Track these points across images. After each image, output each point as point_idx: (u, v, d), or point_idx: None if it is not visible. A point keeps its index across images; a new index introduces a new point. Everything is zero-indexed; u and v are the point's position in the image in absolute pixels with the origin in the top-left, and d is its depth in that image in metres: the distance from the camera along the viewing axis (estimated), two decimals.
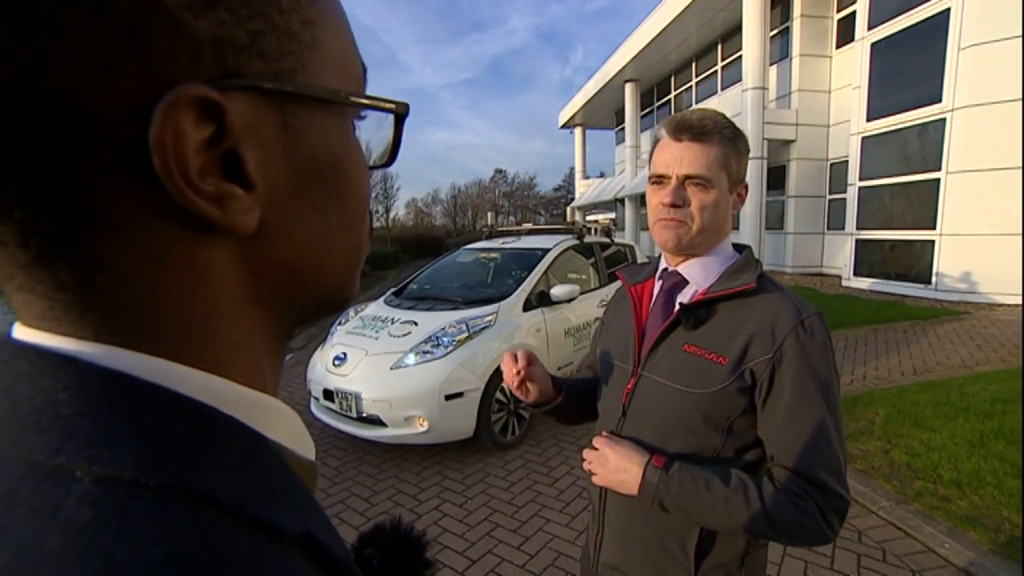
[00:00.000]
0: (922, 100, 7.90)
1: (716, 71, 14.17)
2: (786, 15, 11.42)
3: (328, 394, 3.29)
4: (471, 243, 5.22)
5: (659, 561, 0.87)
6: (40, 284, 0.20)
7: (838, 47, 11.00)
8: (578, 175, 26.88)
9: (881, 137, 8.77)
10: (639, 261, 4.52)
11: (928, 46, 7.77)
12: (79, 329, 0.21)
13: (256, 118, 0.22)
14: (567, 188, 51.03)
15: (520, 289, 3.73)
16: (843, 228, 10.08)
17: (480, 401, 3.17)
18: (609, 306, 1.13)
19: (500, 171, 56.15)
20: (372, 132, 0.31)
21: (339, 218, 0.27)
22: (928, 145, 7.94)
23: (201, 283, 0.23)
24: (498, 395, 3.31)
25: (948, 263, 7.79)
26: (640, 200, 17.74)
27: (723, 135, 0.84)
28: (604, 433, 0.91)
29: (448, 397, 3.05)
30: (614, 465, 0.85)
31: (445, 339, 3.25)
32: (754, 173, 10.82)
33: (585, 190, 24.47)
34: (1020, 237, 6.90)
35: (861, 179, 9.21)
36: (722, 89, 13.89)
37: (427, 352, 3.19)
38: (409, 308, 3.81)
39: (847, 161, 9.72)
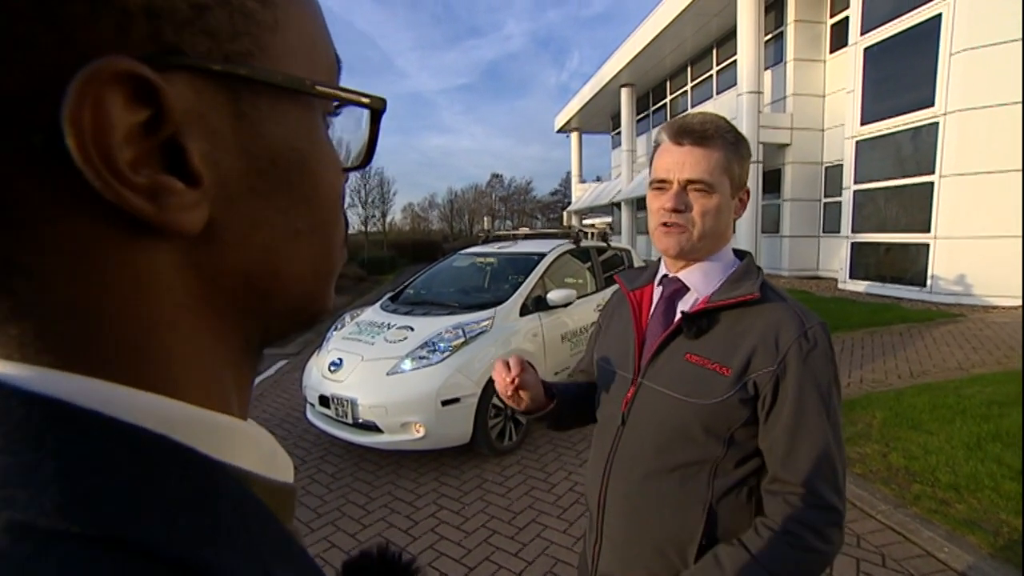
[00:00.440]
0: (915, 104, 7.96)
1: (711, 75, 14.26)
2: (780, 20, 11.51)
3: (324, 400, 3.27)
4: (468, 248, 5.22)
5: (658, 570, 0.86)
6: None
7: (832, 52, 11.08)
8: (574, 179, 26.95)
9: (875, 141, 8.83)
10: (636, 265, 4.53)
11: (921, 51, 7.83)
12: (1, 347, 0.19)
13: (203, 104, 0.20)
14: (563, 192, 51.13)
15: (516, 294, 3.73)
16: (839, 231, 10.12)
17: (477, 407, 3.16)
18: (605, 310, 1.11)
19: (497, 176, 56.28)
20: (349, 132, 0.28)
21: (305, 221, 0.24)
22: (922, 149, 8.00)
23: (143, 292, 0.20)
24: (495, 401, 3.29)
25: (943, 266, 7.83)
26: (636, 204, 17.79)
27: (725, 139, 0.83)
28: None
29: (445, 403, 3.04)
30: None
31: (441, 344, 3.24)
32: (750, 177, 10.84)
33: (581, 194, 24.54)
34: (1020, 239, 6.94)
35: (856, 182, 9.26)
36: (717, 93, 13.97)
37: (423, 358, 3.17)
38: (405, 313, 3.79)
39: (842, 165, 9.79)
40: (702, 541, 0.82)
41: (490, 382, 3.22)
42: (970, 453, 2.96)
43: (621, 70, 16.46)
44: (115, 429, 0.18)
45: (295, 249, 0.24)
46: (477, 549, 2.40)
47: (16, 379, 0.18)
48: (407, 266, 20.34)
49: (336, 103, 0.27)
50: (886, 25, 8.40)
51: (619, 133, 19.58)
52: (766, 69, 11.40)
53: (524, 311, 3.68)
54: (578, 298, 3.95)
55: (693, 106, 15.21)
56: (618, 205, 19.44)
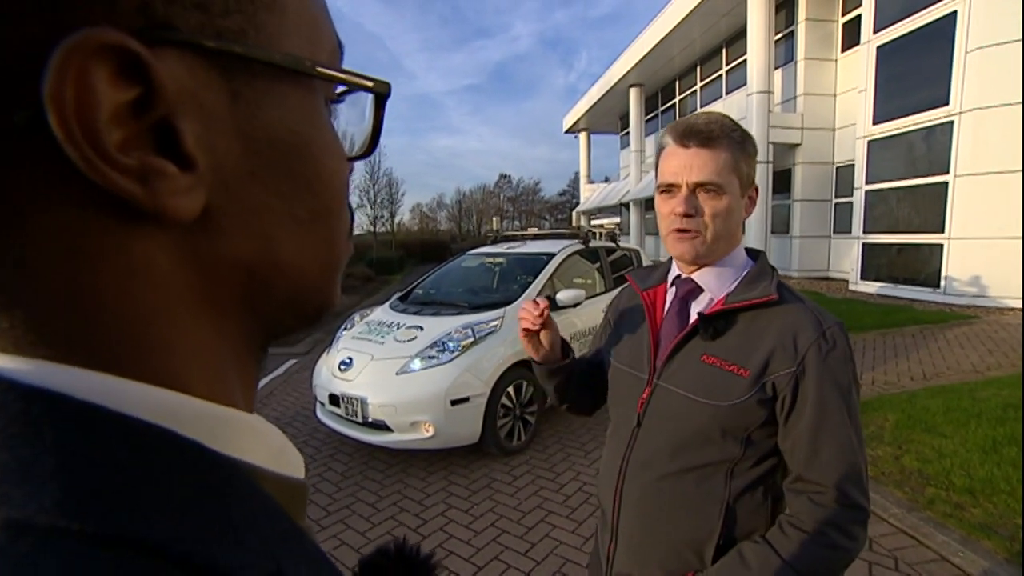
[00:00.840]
0: (929, 103, 7.87)
1: (721, 75, 14.17)
2: (791, 19, 11.42)
3: (334, 399, 3.29)
4: (476, 248, 5.23)
5: (675, 569, 0.86)
6: None
7: (843, 51, 10.98)
8: (583, 180, 26.91)
9: (887, 140, 8.73)
10: (644, 265, 4.51)
11: (935, 49, 7.73)
12: None
13: (196, 83, 0.19)
14: (572, 193, 51.09)
15: (526, 294, 3.73)
16: (850, 232, 10.02)
17: (486, 406, 3.16)
18: (614, 307, 1.10)
19: (505, 176, 56.36)
20: (354, 120, 0.27)
21: (307, 209, 0.23)
22: (936, 148, 7.90)
23: (139, 281, 0.19)
24: (504, 400, 3.30)
25: (957, 267, 7.72)
26: (645, 204, 17.72)
27: (732, 138, 0.82)
28: None
29: (454, 402, 3.05)
30: None
31: (451, 344, 3.25)
32: (759, 177, 10.61)
33: (590, 195, 24.49)
34: (1020, 241, 6.86)
35: (868, 183, 9.17)
36: (727, 93, 13.88)
37: (433, 357, 3.18)
38: (415, 313, 3.81)
39: (853, 165, 9.69)
40: (719, 541, 0.82)
41: (499, 382, 3.24)
42: (985, 457, 2.92)
43: (630, 70, 16.41)
44: (117, 423, 0.17)
45: (297, 238, 0.23)
46: (486, 548, 2.41)
47: (12, 372, 0.17)
48: (415, 266, 20.42)
49: (340, 88, 0.26)
50: (899, 23, 8.30)
51: (628, 133, 19.52)
52: (776, 68, 11.31)
53: None
54: (587, 299, 3.94)
55: (702, 106, 15.12)
56: (627, 205, 19.37)
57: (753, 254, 0.92)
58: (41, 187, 0.17)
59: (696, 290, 0.90)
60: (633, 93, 17.81)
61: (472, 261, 4.84)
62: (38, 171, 0.17)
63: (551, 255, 4.15)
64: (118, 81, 0.17)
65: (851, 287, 9.67)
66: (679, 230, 0.84)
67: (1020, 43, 6.73)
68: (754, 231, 10.95)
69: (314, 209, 0.24)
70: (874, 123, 8.90)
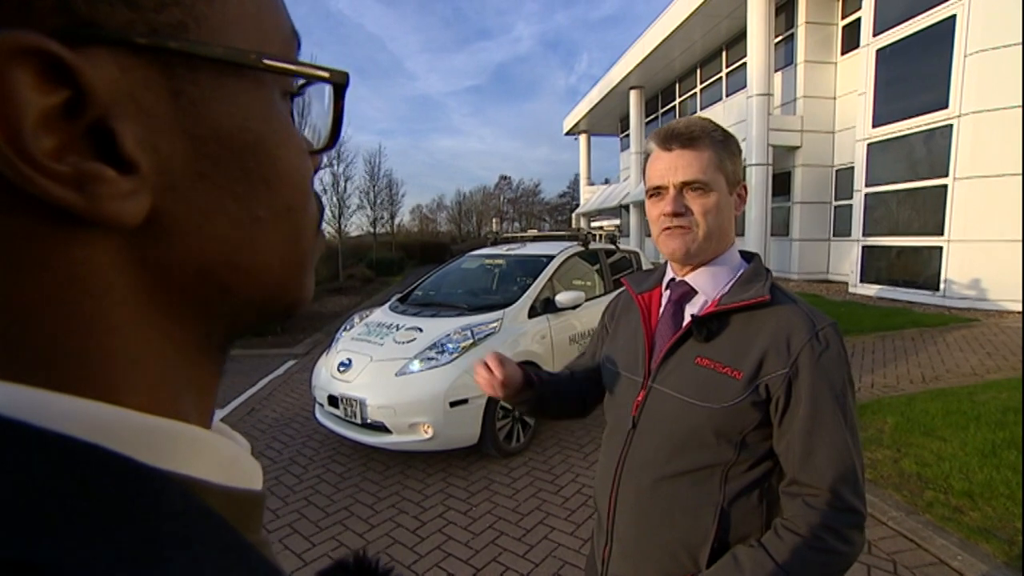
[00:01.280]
0: (929, 106, 7.88)
1: (721, 78, 14.20)
2: (791, 22, 11.44)
3: (333, 400, 3.29)
4: (476, 249, 5.23)
5: (670, 573, 0.86)
6: None
7: (843, 53, 10.99)
8: (583, 182, 26.93)
9: (887, 143, 8.74)
10: (644, 268, 4.52)
11: (934, 52, 7.75)
12: None
13: (132, 83, 0.18)
14: (572, 195, 51.11)
15: (525, 296, 3.73)
16: (849, 234, 10.03)
17: (485, 408, 3.16)
18: (609, 312, 1.11)
19: (505, 178, 56.30)
20: (320, 113, 0.26)
21: (266, 207, 0.23)
22: (935, 151, 7.91)
23: (79, 290, 0.18)
24: (503, 402, 3.29)
25: (956, 269, 7.73)
26: (645, 206, 17.72)
27: (713, 138, 0.84)
28: None
29: (453, 404, 3.05)
30: None
31: (450, 346, 3.25)
32: (759, 179, 10.81)
33: (590, 196, 24.51)
34: (1020, 244, 6.86)
35: (867, 185, 9.18)
36: (727, 96, 13.91)
37: (432, 359, 3.19)
38: (414, 315, 3.81)
39: (852, 167, 9.70)
40: (714, 544, 0.82)
41: None
42: (985, 460, 2.92)
43: (630, 72, 16.43)
44: (38, 440, 0.16)
45: (257, 238, 0.23)
46: (485, 550, 2.40)
47: None
48: (415, 267, 20.42)
49: (300, 81, 0.25)
50: (899, 26, 8.32)
51: (628, 135, 19.54)
52: (776, 71, 11.33)
53: (533, 313, 3.68)
54: (586, 300, 3.94)
55: (702, 108, 15.14)
56: (627, 207, 19.39)
57: (747, 256, 0.93)
58: None
59: (690, 292, 0.90)
60: (633, 95, 17.83)
61: (472, 263, 4.84)
62: None
63: (551, 257, 4.15)
64: (42, 85, 0.16)
65: (851, 290, 9.67)
66: (669, 228, 0.85)
67: (1020, 47, 6.75)
68: (754, 233, 10.96)
69: (274, 207, 0.23)
70: (874, 126, 8.91)
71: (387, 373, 3.18)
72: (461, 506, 2.80)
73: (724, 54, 13.94)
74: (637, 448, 0.89)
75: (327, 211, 13.95)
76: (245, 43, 0.21)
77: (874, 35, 8.79)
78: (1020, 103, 6.81)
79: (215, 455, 0.22)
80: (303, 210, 0.25)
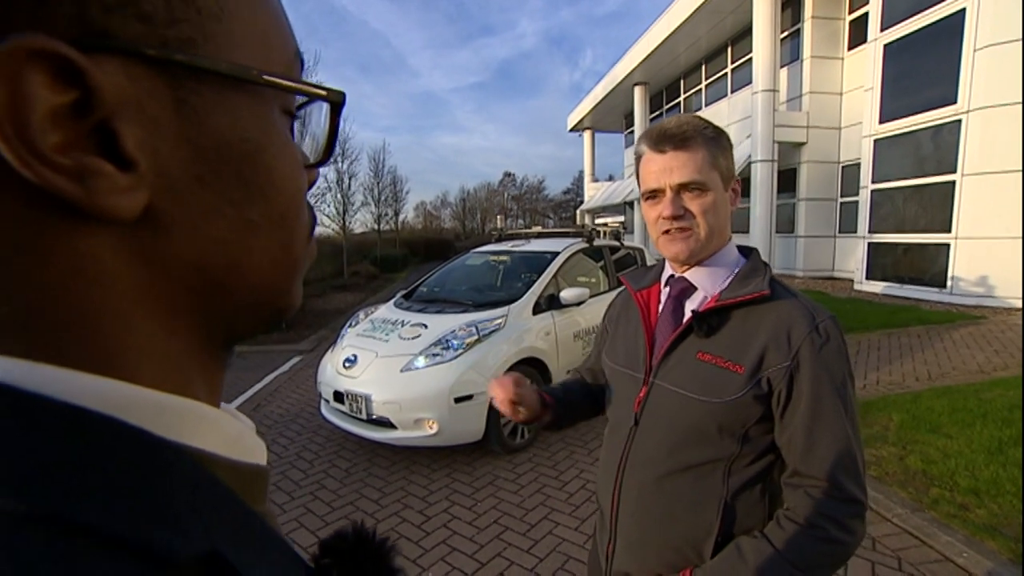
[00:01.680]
0: (936, 102, 7.81)
1: (726, 74, 14.12)
2: (797, 17, 11.36)
3: (338, 396, 3.31)
4: (481, 246, 5.24)
5: (674, 568, 0.87)
6: None
7: (850, 49, 10.91)
8: (587, 178, 26.86)
9: (894, 139, 8.68)
10: (648, 264, 4.51)
11: (943, 47, 7.68)
12: None
13: (139, 90, 0.19)
14: (576, 191, 50.98)
15: (530, 292, 3.74)
16: (855, 231, 9.97)
17: (490, 404, 3.16)
18: (610, 312, 1.11)
19: (509, 174, 56.26)
20: (318, 128, 0.28)
21: (260, 214, 0.24)
22: (943, 147, 7.85)
23: (84, 278, 0.20)
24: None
25: (964, 266, 7.68)
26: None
27: (705, 136, 0.83)
28: None
29: (458, 400, 3.06)
30: None
31: (455, 342, 3.26)
32: (764, 176, 10.76)
33: (594, 193, 24.44)
34: (1020, 241, 6.81)
35: (874, 182, 9.12)
36: (732, 92, 13.83)
37: (437, 355, 3.20)
38: (419, 311, 3.82)
39: (859, 164, 9.64)
40: (718, 538, 0.82)
41: None
42: (991, 457, 2.91)
43: (635, 68, 16.36)
44: (60, 411, 0.18)
45: (251, 241, 0.24)
46: (489, 545, 2.42)
47: None
48: (419, 264, 20.45)
49: (302, 98, 0.27)
50: (907, 21, 8.24)
51: (632, 132, 19.48)
52: (782, 67, 11.25)
53: (537, 309, 3.69)
54: (591, 297, 3.95)
55: (707, 105, 15.07)
56: (631, 204, 19.33)
57: (745, 251, 0.93)
58: None
59: (690, 288, 0.91)
60: (638, 91, 17.76)
61: (477, 259, 4.85)
62: None
63: (555, 253, 4.16)
64: (54, 85, 0.17)
65: (856, 287, 9.63)
66: (670, 232, 0.85)
67: (1020, 43, 6.68)
68: (759, 230, 10.92)
69: (268, 214, 0.25)
70: (880, 122, 8.85)
71: (392, 369, 3.20)
72: (466, 501, 2.81)
73: (729, 50, 13.86)
74: (640, 444, 0.90)
75: (332, 207, 14.01)
76: (249, 60, 0.23)
77: (882, 30, 8.72)
78: (1021, 100, 6.75)
79: (222, 431, 0.24)
80: (296, 219, 0.27)
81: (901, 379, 4.52)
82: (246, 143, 0.23)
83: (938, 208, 7.98)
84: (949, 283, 7.85)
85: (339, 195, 13.77)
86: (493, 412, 3.20)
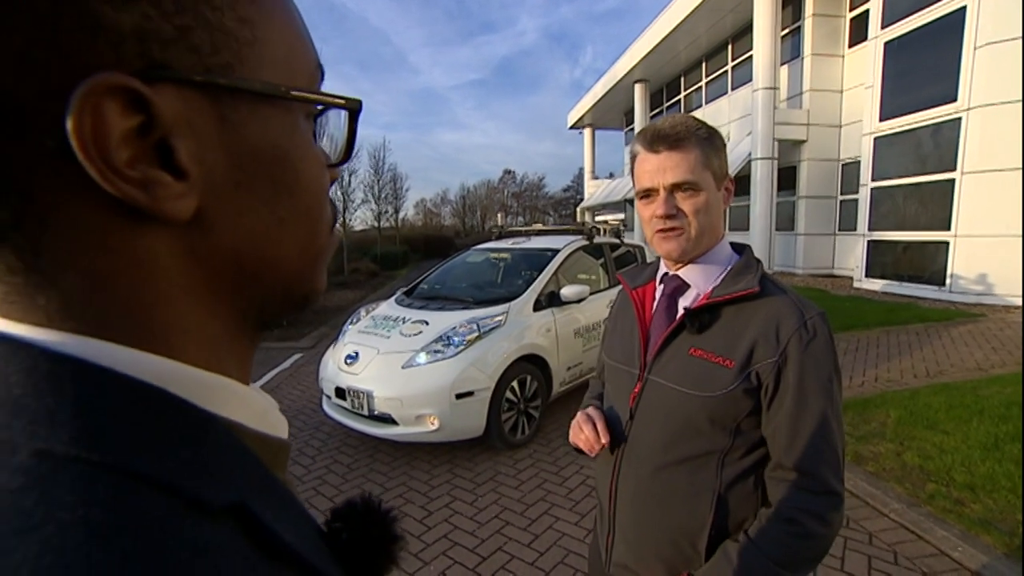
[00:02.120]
0: (937, 99, 7.82)
1: (726, 71, 14.10)
2: (798, 14, 11.34)
3: (340, 392, 3.33)
4: (481, 243, 5.25)
5: (670, 558, 0.89)
6: None
7: (851, 46, 10.90)
8: (587, 176, 26.84)
9: (894, 137, 8.68)
10: (648, 262, 4.54)
11: (943, 44, 7.68)
12: (32, 314, 0.22)
13: (189, 110, 0.23)
14: (576, 189, 50.90)
15: (530, 289, 3.76)
16: (855, 229, 9.99)
17: (490, 400, 3.20)
18: (612, 309, 1.14)
19: (509, 172, 56.17)
20: (338, 131, 0.32)
21: (288, 210, 0.28)
22: (943, 145, 7.85)
23: (143, 271, 0.23)
24: (508, 395, 3.33)
25: (963, 264, 7.69)
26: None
27: (698, 136, 0.85)
28: None
29: (459, 396, 3.08)
30: None
31: (456, 338, 3.28)
32: (765, 173, 10.76)
33: (594, 191, 24.43)
34: (1020, 239, 6.82)
35: (873, 180, 9.12)
36: (732, 89, 13.81)
37: (438, 351, 3.22)
38: (420, 308, 3.84)
39: (859, 161, 9.64)
40: (711, 530, 0.85)
41: (504, 376, 3.27)
42: (987, 453, 2.93)
43: (635, 66, 16.34)
44: (121, 382, 0.22)
45: (281, 234, 0.28)
46: (490, 539, 2.45)
47: (44, 342, 0.22)
48: (420, 261, 20.44)
49: (319, 106, 0.30)
50: (908, 18, 8.24)
51: (632, 129, 19.47)
52: (782, 64, 11.25)
53: (538, 306, 3.70)
54: (591, 294, 3.97)
55: (708, 102, 15.06)
56: (631, 201, 19.31)
57: (739, 248, 0.95)
58: (68, 196, 0.21)
59: (683, 286, 0.93)
60: (638, 89, 17.74)
61: (477, 256, 4.86)
62: (63, 183, 0.21)
63: (555, 251, 4.17)
64: (125, 112, 0.21)
65: (856, 284, 9.65)
66: (663, 230, 0.87)
67: (1020, 41, 6.68)
68: (759, 228, 10.93)
69: (295, 210, 0.28)
70: (881, 120, 8.85)
71: (394, 365, 3.22)
72: (467, 496, 2.84)
73: (730, 47, 13.84)
74: (635, 438, 0.92)
75: None
76: (277, 78, 0.26)
77: (882, 27, 8.71)
78: (1021, 98, 6.75)
79: (250, 406, 0.28)
80: (319, 214, 0.30)
81: (899, 376, 4.55)
82: (276, 149, 0.27)
83: (938, 206, 7.99)
84: (948, 281, 7.87)
85: (339, 193, 13.76)
86: (494, 408, 3.23)
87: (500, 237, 5.39)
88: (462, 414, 3.11)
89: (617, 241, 4.90)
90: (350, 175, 14.39)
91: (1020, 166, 6.94)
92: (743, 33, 12.77)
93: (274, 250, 0.28)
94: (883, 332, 6.07)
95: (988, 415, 3.42)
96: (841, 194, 11.26)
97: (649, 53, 15.18)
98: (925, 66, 8.03)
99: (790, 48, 11.61)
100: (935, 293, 8.04)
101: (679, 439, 0.86)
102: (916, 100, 8.15)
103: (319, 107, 0.30)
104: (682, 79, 16.67)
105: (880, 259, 9.17)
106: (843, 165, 11.18)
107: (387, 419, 3.13)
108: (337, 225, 0.33)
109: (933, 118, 7.92)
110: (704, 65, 15.25)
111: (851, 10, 10.79)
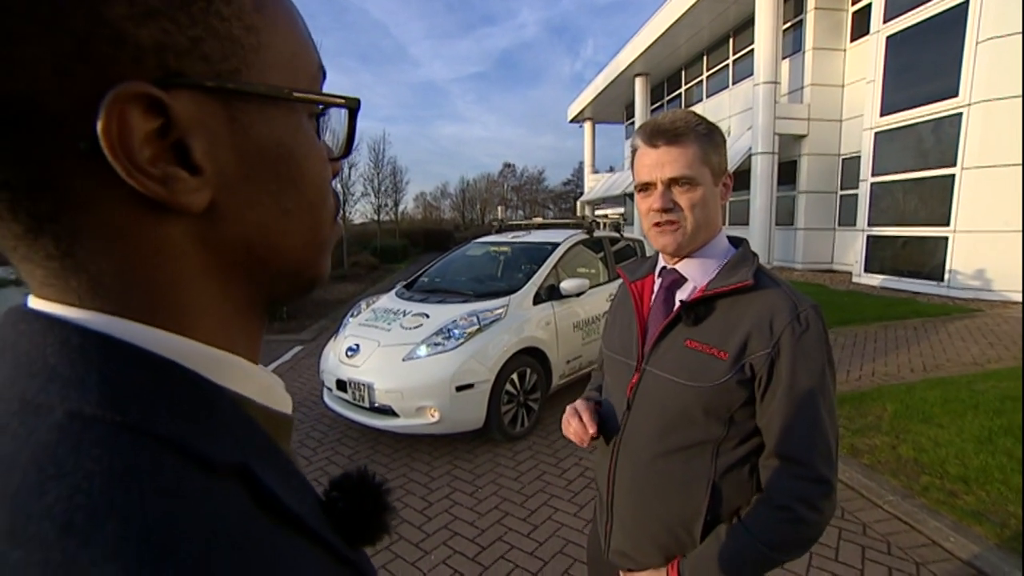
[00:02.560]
0: (938, 94, 7.80)
1: (727, 65, 14.04)
2: (800, 8, 11.29)
3: (341, 384, 3.36)
4: (481, 237, 5.25)
5: (666, 545, 0.92)
6: (35, 254, 0.25)
7: (852, 40, 10.86)
8: (587, 169, 26.76)
9: (895, 132, 8.68)
10: (648, 255, 4.55)
11: (945, 39, 7.66)
12: (68, 295, 0.25)
13: (202, 112, 0.25)
14: (576, 182, 50.78)
15: (530, 283, 3.78)
16: (854, 224, 10.00)
17: (490, 393, 3.23)
18: (613, 302, 1.16)
19: (509, 165, 56.05)
20: (339, 126, 0.35)
21: (293, 202, 0.30)
22: (943, 140, 7.85)
23: (163, 257, 0.26)
24: (508, 387, 3.36)
25: (962, 260, 7.72)
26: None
27: (697, 132, 0.86)
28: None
29: (459, 388, 3.11)
30: None
31: (456, 331, 3.30)
32: (765, 168, 10.75)
33: (594, 184, 24.38)
34: (1020, 234, 6.84)
35: (874, 175, 9.12)
36: (733, 83, 13.77)
37: (438, 344, 3.24)
38: (421, 301, 3.86)
39: (859, 156, 9.63)
40: (707, 517, 0.87)
41: (504, 369, 3.29)
42: (981, 447, 2.97)
43: (636, 59, 16.26)
44: (141, 355, 0.25)
45: (287, 224, 0.30)
46: (490, 530, 2.48)
47: (77, 319, 0.25)
48: (419, 255, 20.44)
49: (320, 106, 0.32)
50: (910, 12, 8.21)
51: (633, 123, 19.40)
52: (784, 58, 11.21)
53: (537, 300, 3.72)
54: (591, 288, 3.99)
55: (708, 96, 15.01)
56: (631, 195, 19.26)
57: (736, 242, 0.97)
58: (98, 191, 0.24)
59: (680, 279, 0.95)
60: (639, 82, 17.67)
61: (477, 250, 4.87)
62: (93, 179, 0.24)
63: (555, 244, 4.19)
64: (146, 116, 0.23)
65: (855, 279, 9.67)
66: (659, 224, 0.89)
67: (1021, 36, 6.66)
68: (758, 222, 10.93)
69: (299, 202, 0.30)
70: (882, 114, 8.84)
71: (394, 358, 3.24)
72: (467, 487, 2.87)
73: (731, 41, 13.78)
74: (632, 428, 0.94)
75: None
76: (281, 81, 0.29)
77: (884, 21, 8.68)
78: (1021, 94, 6.74)
79: (257, 381, 0.31)
80: (323, 205, 0.33)
81: (896, 370, 4.58)
82: (281, 147, 0.29)
83: (937, 201, 8.00)
84: (947, 276, 7.89)
85: (339, 186, 13.69)
86: (494, 401, 3.25)
87: (500, 231, 5.40)
88: (462, 406, 3.14)
89: (617, 235, 4.91)
90: (350, 168, 14.37)
91: (1020, 162, 6.94)
92: (744, 27, 12.71)
93: (281, 238, 0.30)
94: (881, 327, 6.10)
95: (983, 409, 3.46)
96: (841, 189, 11.26)
97: (650, 46, 15.11)
98: (927, 61, 8.00)
99: (792, 42, 11.56)
100: (934, 288, 8.06)
101: (675, 429, 0.88)
102: (917, 95, 8.14)
103: (320, 106, 0.33)
104: (683, 73, 16.60)
105: (879, 254, 9.19)
106: (843, 160, 11.17)
107: (388, 411, 3.16)
108: (338, 217, 0.35)
109: (934, 113, 7.91)
110: (705, 59, 15.18)
111: (853, 4, 10.74)
